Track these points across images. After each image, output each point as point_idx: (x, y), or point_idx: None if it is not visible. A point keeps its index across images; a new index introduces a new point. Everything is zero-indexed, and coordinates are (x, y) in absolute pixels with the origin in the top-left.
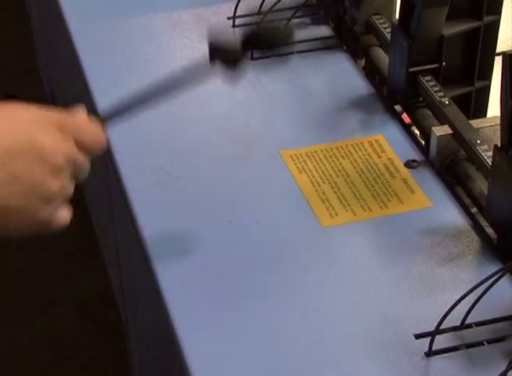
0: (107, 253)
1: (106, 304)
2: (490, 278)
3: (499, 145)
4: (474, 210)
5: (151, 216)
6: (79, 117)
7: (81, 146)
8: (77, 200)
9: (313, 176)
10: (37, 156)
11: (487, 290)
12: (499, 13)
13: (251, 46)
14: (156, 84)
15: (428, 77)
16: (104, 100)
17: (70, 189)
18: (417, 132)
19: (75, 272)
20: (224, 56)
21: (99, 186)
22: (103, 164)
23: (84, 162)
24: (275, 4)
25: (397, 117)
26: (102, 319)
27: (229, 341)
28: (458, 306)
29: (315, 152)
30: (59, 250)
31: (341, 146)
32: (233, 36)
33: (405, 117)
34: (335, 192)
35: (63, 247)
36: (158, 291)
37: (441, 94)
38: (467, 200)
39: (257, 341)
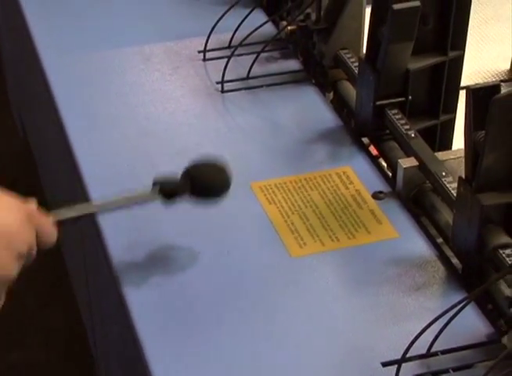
0: (76, 283)
1: (75, 336)
2: (455, 307)
3: (464, 177)
4: (439, 240)
5: (121, 245)
6: (41, 213)
7: (39, 240)
8: None
9: (282, 207)
10: (5, 240)
11: (452, 318)
12: (463, 49)
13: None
14: (104, 202)
15: (395, 111)
16: (77, 134)
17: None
18: (384, 164)
19: (44, 304)
20: (164, 189)
21: None
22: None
23: (34, 254)
24: (245, 39)
25: (364, 149)
26: (72, 351)
27: (199, 369)
28: (424, 335)
29: (285, 183)
30: (29, 279)
31: (310, 178)
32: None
33: (373, 150)
34: (304, 223)
35: (32, 277)
36: (127, 317)
37: (407, 127)
38: (433, 231)
39: (226, 369)
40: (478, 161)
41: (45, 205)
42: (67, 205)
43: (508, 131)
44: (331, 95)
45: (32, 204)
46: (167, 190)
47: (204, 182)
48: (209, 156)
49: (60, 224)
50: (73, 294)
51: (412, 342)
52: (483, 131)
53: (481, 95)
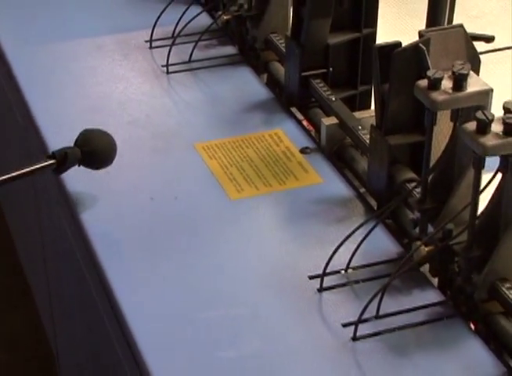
0: (36, 282)
1: (36, 338)
2: (362, 225)
3: (375, 124)
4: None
5: (87, 201)
6: None
7: None
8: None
9: (222, 162)
10: None
11: (364, 238)
12: (375, 26)
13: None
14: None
15: (318, 80)
16: (39, 111)
17: None
18: (311, 129)
19: (4, 308)
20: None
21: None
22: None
23: None
24: (183, 28)
25: (293, 116)
26: (33, 353)
27: (159, 287)
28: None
29: (224, 143)
30: None
31: (246, 139)
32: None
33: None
34: (241, 173)
35: None
36: (92, 252)
37: (329, 93)
38: (355, 182)
39: (180, 282)
40: (385, 108)
41: None
42: None
43: (408, 80)
44: (265, 77)
45: None
46: (60, 161)
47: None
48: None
49: None
50: (33, 298)
51: (330, 258)
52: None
53: (386, 52)
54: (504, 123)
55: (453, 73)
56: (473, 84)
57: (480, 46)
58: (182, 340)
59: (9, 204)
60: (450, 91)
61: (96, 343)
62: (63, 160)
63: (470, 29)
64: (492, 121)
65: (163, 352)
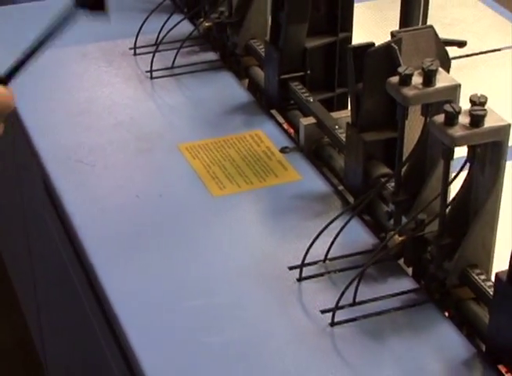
0: (24, 295)
1: (24, 348)
2: (337, 218)
3: (350, 122)
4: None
5: (76, 200)
6: None
7: None
8: None
9: (205, 161)
10: None
11: (341, 229)
12: (351, 31)
13: None
14: (36, 38)
15: (296, 83)
16: (29, 116)
17: None
18: (291, 131)
19: None
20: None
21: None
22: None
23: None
24: (166, 35)
25: (273, 117)
26: (21, 363)
27: (145, 280)
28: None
29: (206, 144)
30: None
31: (227, 139)
32: None
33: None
34: (223, 171)
35: None
36: (82, 249)
37: (307, 94)
38: (334, 180)
39: (166, 274)
40: (360, 106)
41: None
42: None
43: (381, 78)
44: (247, 82)
45: None
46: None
47: None
48: None
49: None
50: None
51: (308, 249)
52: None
53: (359, 52)
54: (471, 115)
55: (423, 69)
56: (442, 80)
57: (453, 51)
58: (168, 327)
59: None
60: (420, 86)
61: (84, 343)
62: None
63: (446, 36)
64: (459, 113)
65: (150, 340)
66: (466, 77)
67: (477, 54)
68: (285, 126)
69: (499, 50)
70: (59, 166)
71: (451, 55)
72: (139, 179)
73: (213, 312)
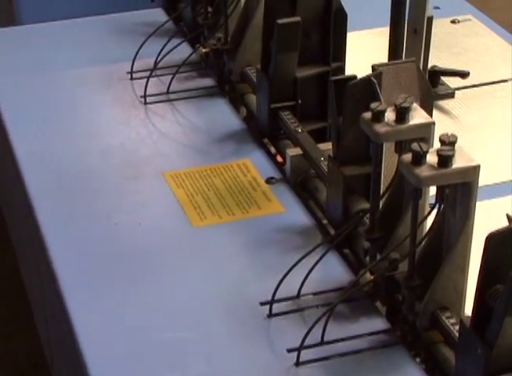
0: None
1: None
2: (312, 252)
3: (332, 155)
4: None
5: (57, 230)
6: None
7: None
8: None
9: (189, 190)
10: None
11: (315, 264)
12: (343, 60)
13: None
14: None
15: (287, 112)
16: (19, 140)
17: None
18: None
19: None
20: None
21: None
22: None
23: None
24: (161, 60)
25: (263, 146)
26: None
27: (115, 311)
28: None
29: (192, 172)
30: None
31: (214, 168)
32: None
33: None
34: (206, 201)
35: None
36: (53, 275)
37: (296, 125)
38: (319, 214)
39: (135, 306)
40: (340, 140)
41: None
42: None
43: (360, 112)
44: (245, 110)
45: None
46: None
47: None
48: None
49: None
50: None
51: (278, 285)
52: None
53: (341, 85)
54: (439, 155)
55: (395, 106)
56: (416, 117)
57: (458, 82)
58: (132, 362)
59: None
60: (393, 123)
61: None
62: None
63: (453, 65)
64: (426, 152)
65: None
66: (470, 108)
67: (482, 85)
68: (279, 157)
69: (505, 81)
70: (43, 190)
71: (456, 85)
72: (121, 207)
73: (178, 347)
